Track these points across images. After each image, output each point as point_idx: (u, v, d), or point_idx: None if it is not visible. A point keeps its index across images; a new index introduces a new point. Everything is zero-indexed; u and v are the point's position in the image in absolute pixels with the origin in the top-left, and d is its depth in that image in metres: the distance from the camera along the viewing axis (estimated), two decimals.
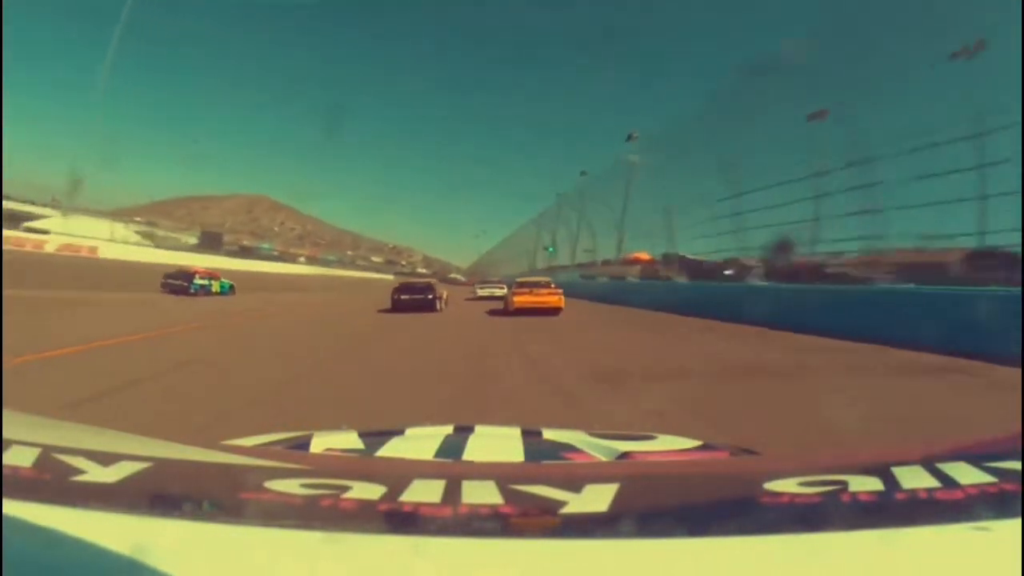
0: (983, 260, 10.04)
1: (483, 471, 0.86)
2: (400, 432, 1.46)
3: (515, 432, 1.45)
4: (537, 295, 15.86)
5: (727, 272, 19.24)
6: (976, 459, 0.62)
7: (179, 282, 19.93)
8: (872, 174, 12.84)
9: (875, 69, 12.66)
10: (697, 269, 21.04)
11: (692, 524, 0.48)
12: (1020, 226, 6.85)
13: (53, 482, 0.55)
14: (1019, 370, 5.09)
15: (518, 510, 0.53)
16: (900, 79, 12.16)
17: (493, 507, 0.53)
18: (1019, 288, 6.61)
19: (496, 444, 1.39)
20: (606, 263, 27.56)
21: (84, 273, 22.98)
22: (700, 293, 17.56)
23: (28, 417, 0.79)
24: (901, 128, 12.08)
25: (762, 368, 7.45)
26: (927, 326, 7.46)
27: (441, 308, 17.29)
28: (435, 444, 1.25)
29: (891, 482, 0.57)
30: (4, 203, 31.84)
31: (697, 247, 21.67)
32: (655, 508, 0.59)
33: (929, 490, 0.54)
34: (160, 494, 0.57)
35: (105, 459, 0.59)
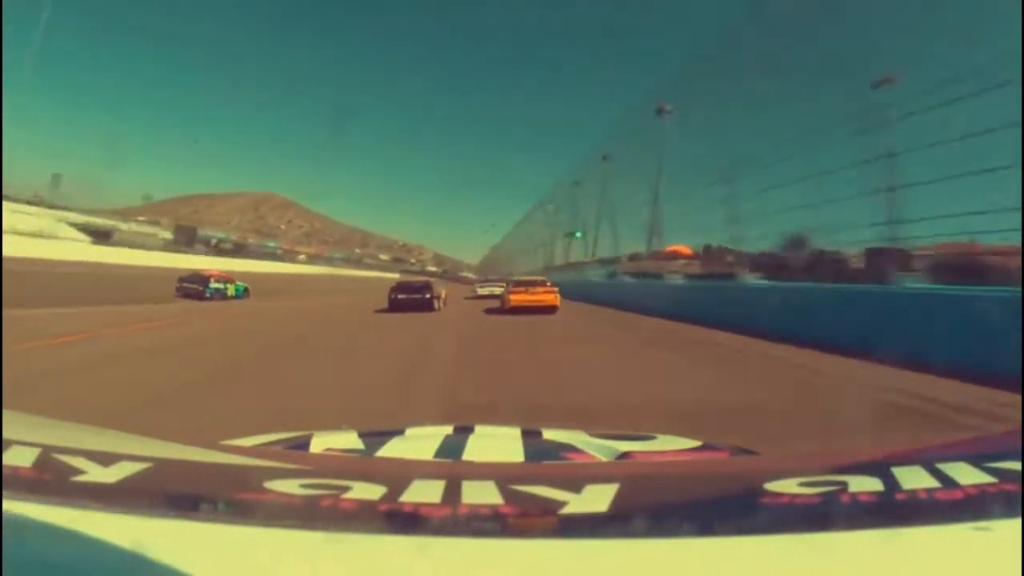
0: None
1: (483, 471, 0.86)
2: (400, 432, 1.46)
3: (515, 432, 1.45)
4: (533, 294, 16.10)
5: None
6: (976, 459, 0.62)
7: (194, 286, 19.45)
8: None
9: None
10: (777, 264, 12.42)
11: (692, 524, 0.48)
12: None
13: (53, 482, 0.55)
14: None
15: (518, 510, 0.53)
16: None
17: (493, 507, 0.53)
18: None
19: (496, 444, 1.39)
20: (633, 258, 23.45)
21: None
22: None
23: (28, 417, 0.79)
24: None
25: None
26: None
27: (439, 308, 17.30)
28: (435, 444, 1.25)
29: (891, 482, 0.57)
30: None
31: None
32: (655, 508, 0.59)
33: (929, 490, 0.54)
34: (160, 494, 0.57)
35: (105, 459, 0.59)
